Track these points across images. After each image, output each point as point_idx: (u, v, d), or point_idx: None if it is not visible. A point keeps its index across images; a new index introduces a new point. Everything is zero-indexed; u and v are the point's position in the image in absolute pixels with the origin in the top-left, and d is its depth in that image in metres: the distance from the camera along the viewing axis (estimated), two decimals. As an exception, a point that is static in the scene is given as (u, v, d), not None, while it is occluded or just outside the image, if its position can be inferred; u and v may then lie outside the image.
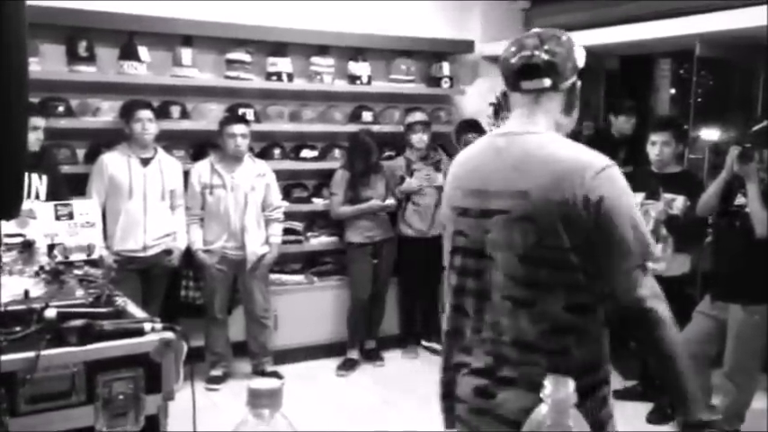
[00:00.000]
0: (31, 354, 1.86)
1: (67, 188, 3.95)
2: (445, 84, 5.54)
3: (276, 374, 4.47)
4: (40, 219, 2.71)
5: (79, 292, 2.30)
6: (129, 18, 4.41)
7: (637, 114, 5.05)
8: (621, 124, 5.03)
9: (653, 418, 4.15)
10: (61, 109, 4.37)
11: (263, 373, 4.57)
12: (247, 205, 4.50)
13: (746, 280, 3.56)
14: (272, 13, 4.90)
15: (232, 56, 4.82)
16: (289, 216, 4.90)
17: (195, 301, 4.62)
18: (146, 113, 4.22)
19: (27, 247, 2.54)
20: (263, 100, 5.11)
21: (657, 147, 4.00)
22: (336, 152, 5.23)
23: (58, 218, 2.77)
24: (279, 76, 4.97)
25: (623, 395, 4.24)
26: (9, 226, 2.51)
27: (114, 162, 4.21)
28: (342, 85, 5.26)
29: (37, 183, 3.80)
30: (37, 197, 3.73)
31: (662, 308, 1.61)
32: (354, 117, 5.31)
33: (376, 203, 4.94)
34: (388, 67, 5.47)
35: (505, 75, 1.73)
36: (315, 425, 3.73)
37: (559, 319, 1.61)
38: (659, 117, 5.50)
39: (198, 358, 4.40)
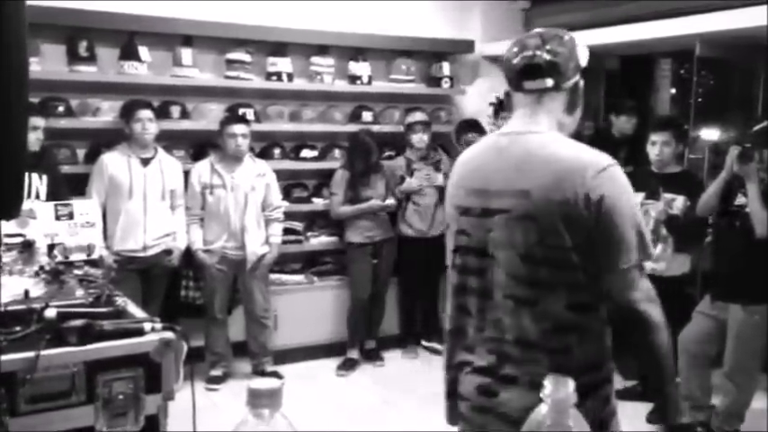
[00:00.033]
0: (31, 354, 1.86)
1: (68, 188, 3.95)
2: (445, 84, 5.54)
3: (276, 374, 4.46)
4: (40, 219, 2.71)
5: (79, 292, 2.30)
6: (130, 18, 4.41)
7: (637, 114, 5.05)
8: (622, 124, 5.03)
9: (653, 418, 4.13)
10: (61, 109, 4.37)
11: (263, 373, 4.57)
12: (247, 205, 4.50)
13: (746, 280, 3.57)
14: (272, 13, 4.90)
15: (232, 56, 4.83)
16: (289, 216, 4.90)
17: (195, 301, 4.62)
18: (146, 113, 4.22)
19: (27, 247, 2.54)
20: (264, 100, 5.11)
21: (657, 147, 4.00)
22: (336, 152, 5.23)
23: (58, 218, 2.77)
24: (279, 76, 4.97)
25: (623, 395, 4.23)
26: (9, 226, 2.51)
27: (114, 162, 4.21)
28: (342, 85, 5.26)
29: (37, 183, 3.80)
30: (37, 197, 3.73)
31: (656, 312, 1.62)
32: (354, 117, 5.31)
33: (376, 203, 4.94)
34: (389, 67, 5.47)
35: (508, 75, 1.74)
36: (315, 425, 3.73)
37: (561, 317, 1.61)
38: (659, 117, 5.50)
39: (198, 358, 4.40)
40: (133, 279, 4.14)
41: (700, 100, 4.69)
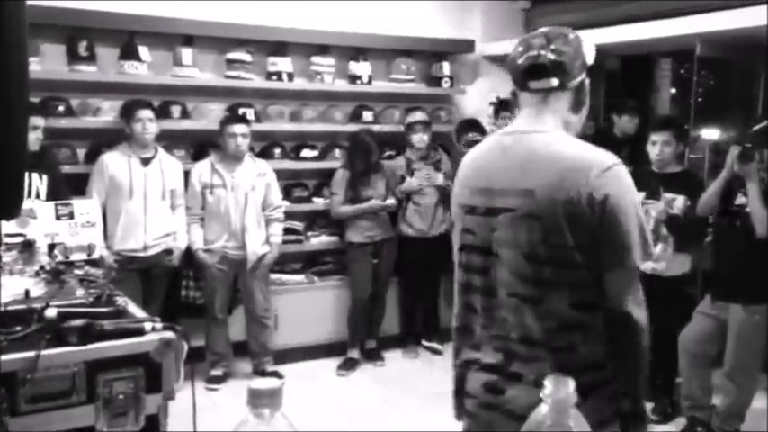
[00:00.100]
0: (31, 353, 1.86)
1: (68, 188, 3.95)
2: (446, 83, 5.53)
3: (276, 374, 4.46)
4: (40, 218, 2.71)
5: (80, 292, 2.30)
6: (130, 18, 4.41)
7: (639, 114, 5.05)
8: (625, 124, 5.04)
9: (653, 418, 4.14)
10: (62, 109, 4.37)
11: (264, 373, 4.56)
12: (248, 205, 4.50)
13: (747, 280, 3.57)
14: (272, 13, 4.90)
15: (232, 55, 4.82)
16: (289, 216, 4.90)
17: (196, 301, 4.62)
18: (146, 113, 4.22)
19: (27, 247, 2.54)
20: (264, 100, 5.11)
21: (658, 146, 4.00)
22: (337, 152, 5.23)
23: (58, 217, 2.77)
24: (279, 75, 4.97)
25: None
26: (9, 226, 2.51)
27: (115, 162, 4.21)
28: (342, 85, 5.26)
29: (37, 182, 3.80)
30: (37, 197, 3.73)
31: (644, 315, 1.65)
32: (355, 117, 5.31)
33: (376, 203, 4.94)
34: (389, 66, 5.47)
35: (513, 74, 1.74)
36: (315, 424, 3.73)
37: (565, 316, 1.62)
38: (660, 117, 5.50)
39: (198, 358, 4.40)
40: (133, 279, 4.14)
41: (700, 100, 4.69)
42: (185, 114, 4.73)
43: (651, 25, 4.48)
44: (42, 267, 2.44)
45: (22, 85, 1.42)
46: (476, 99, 5.69)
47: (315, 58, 5.11)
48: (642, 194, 3.88)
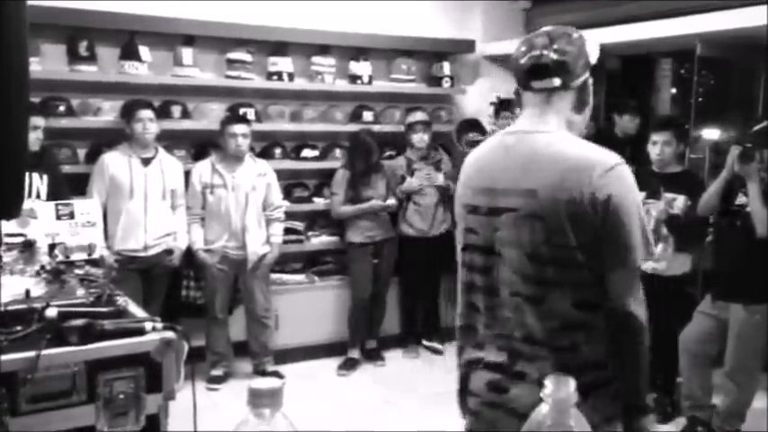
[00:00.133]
0: (31, 353, 1.86)
1: (68, 188, 3.95)
2: (446, 83, 5.53)
3: (277, 374, 4.46)
4: (40, 218, 2.72)
5: (80, 292, 2.30)
6: (130, 18, 4.41)
7: (640, 114, 5.05)
8: (626, 123, 5.04)
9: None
10: (62, 109, 4.38)
11: (264, 373, 4.57)
12: (248, 205, 4.50)
13: (747, 279, 3.57)
14: (273, 13, 4.90)
15: (233, 55, 4.83)
16: (289, 216, 4.90)
17: (196, 301, 4.62)
18: (147, 113, 4.22)
19: (28, 247, 2.54)
20: (264, 99, 5.11)
21: (658, 146, 4.00)
22: (337, 152, 5.23)
23: (58, 217, 2.77)
24: (280, 75, 4.97)
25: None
26: (10, 225, 2.51)
27: (115, 162, 4.21)
28: (343, 85, 5.26)
29: (38, 182, 3.80)
30: (38, 197, 3.73)
31: (644, 315, 1.65)
32: (355, 117, 5.31)
33: (377, 203, 4.94)
34: (389, 66, 5.47)
35: (516, 74, 1.74)
36: (315, 424, 3.73)
37: (568, 315, 1.62)
38: (660, 117, 5.50)
39: (199, 358, 4.40)
40: (134, 279, 4.14)
41: (700, 100, 4.69)
42: (186, 114, 4.73)
43: (651, 25, 4.48)
44: (43, 267, 2.44)
45: (22, 85, 1.42)
46: (476, 99, 5.69)
47: (315, 58, 5.11)
48: (643, 194, 3.87)
